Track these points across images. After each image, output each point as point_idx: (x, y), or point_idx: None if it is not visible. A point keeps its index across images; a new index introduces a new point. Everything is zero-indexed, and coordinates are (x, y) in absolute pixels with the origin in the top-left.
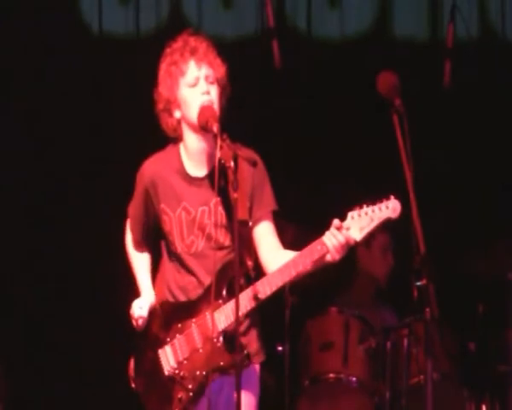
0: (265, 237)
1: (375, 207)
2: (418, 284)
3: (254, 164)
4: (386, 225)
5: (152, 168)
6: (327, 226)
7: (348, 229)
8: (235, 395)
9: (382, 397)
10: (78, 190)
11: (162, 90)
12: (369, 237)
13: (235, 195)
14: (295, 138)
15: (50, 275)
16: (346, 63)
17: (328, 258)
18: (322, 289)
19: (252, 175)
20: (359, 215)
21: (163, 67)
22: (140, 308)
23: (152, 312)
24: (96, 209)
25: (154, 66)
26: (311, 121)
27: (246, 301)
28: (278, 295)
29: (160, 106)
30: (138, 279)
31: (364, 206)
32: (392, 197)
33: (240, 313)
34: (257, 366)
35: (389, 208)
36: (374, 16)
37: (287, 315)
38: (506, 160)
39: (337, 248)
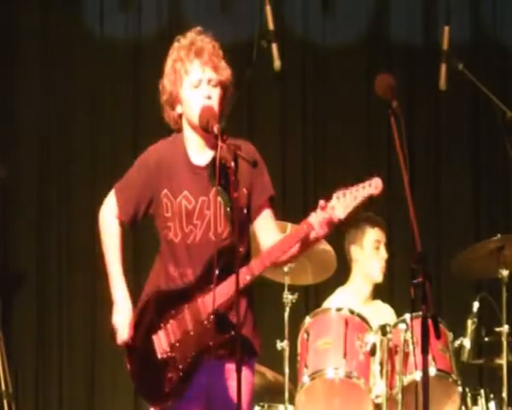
0: (265, 224)
1: (359, 186)
2: (415, 281)
3: (254, 164)
4: (379, 222)
5: (158, 154)
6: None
7: (333, 208)
8: (235, 384)
9: (380, 393)
10: (80, 191)
11: (166, 83)
12: (360, 235)
13: (236, 195)
14: (294, 140)
15: (56, 277)
16: (342, 67)
17: (313, 235)
18: (321, 286)
19: (249, 168)
20: (344, 195)
21: (169, 61)
22: (123, 329)
23: (147, 302)
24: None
25: (154, 69)
26: (310, 123)
27: (233, 281)
28: (278, 293)
29: (164, 97)
30: (116, 282)
31: (349, 187)
32: (375, 176)
33: (230, 293)
34: (253, 361)
35: (371, 186)
36: (369, 21)
37: (286, 313)
38: (501, 161)
39: (321, 224)
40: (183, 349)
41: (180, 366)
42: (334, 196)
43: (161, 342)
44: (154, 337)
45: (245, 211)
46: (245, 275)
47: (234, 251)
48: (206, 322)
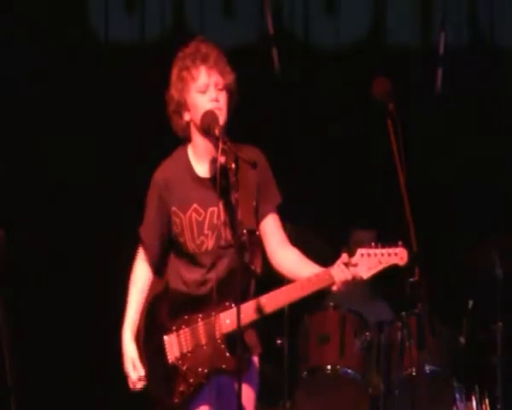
0: (272, 232)
1: (385, 252)
2: (411, 280)
3: (254, 165)
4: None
5: (163, 173)
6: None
7: (356, 265)
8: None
9: (376, 388)
10: (81, 196)
11: (174, 92)
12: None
13: (236, 195)
14: (293, 141)
15: (60, 276)
16: (341, 70)
17: (334, 288)
18: None
19: (255, 174)
20: (369, 255)
21: (175, 70)
22: (134, 368)
23: (159, 296)
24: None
25: (157, 72)
26: (309, 124)
27: (251, 310)
28: None
29: (171, 107)
30: (124, 327)
31: (373, 246)
32: (400, 244)
33: (244, 321)
34: (256, 358)
35: (397, 256)
36: (368, 24)
37: (286, 310)
38: (496, 162)
39: (344, 282)
40: (195, 362)
41: (191, 380)
42: (359, 252)
43: (173, 347)
44: (166, 339)
45: (257, 233)
46: (257, 310)
47: (249, 271)
48: (219, 341)
